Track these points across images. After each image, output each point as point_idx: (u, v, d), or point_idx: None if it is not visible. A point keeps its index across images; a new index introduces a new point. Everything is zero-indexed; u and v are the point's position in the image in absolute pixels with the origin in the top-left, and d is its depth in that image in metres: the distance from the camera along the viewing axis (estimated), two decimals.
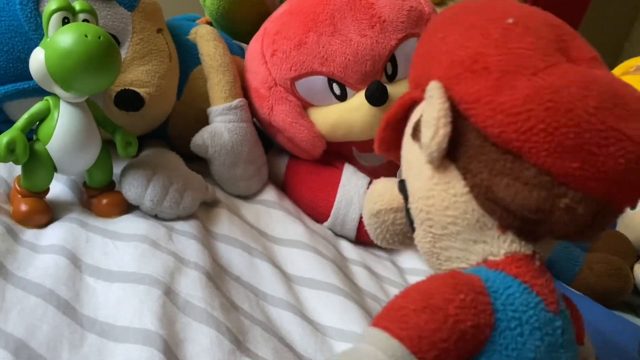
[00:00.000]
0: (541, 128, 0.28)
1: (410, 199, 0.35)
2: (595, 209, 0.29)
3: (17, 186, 0.52)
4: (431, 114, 0.31)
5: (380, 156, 0.75)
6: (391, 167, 0.74)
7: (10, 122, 0.58)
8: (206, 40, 0.69)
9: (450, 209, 0.32)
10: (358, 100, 0.66)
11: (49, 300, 0.41)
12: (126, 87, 0.58)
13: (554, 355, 0.30)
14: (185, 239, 0.53)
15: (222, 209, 0.62)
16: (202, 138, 0.64)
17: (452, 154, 0.32)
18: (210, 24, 0.86)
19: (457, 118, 0.31)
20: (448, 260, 0.34)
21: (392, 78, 0.68)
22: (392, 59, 0.67)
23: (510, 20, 0.31)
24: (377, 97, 0.64)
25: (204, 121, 0.66)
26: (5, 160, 0.48)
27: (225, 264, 0.53)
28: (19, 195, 0.52)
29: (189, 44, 0.70)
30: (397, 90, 0.67)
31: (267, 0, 0.81)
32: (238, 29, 0.84)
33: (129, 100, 0.57)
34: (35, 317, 0.39)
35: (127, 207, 0.56)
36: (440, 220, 0.33)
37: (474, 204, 0.31)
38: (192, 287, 0.46)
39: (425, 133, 0.31)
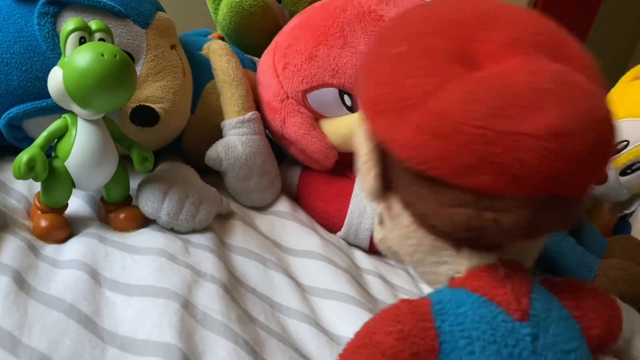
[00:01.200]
0: (440, 155, 0.28)
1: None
2: (532, 209, 0.28)
3: (36, 202, 0.53)
4: (360, 158, 0.32)
5: None
6: None
7: (29, 140, 0.59)
8: (219, 55, 0.70)
9: (409, 238, 0.33)
10: None
11: (71, 315, 0.42)
12: (141, 103, 0.59)
13: None
14: (201, 251, 0.53)
15: (237, 220, 0.63)
16: (216, 151, 0.65)
17: (392, 188, 0.33)
18: (222, 38, 0.87)
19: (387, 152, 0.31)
20: (430, 282, 0.35)
21: None
22: None
23: (400, 49, 0.30)
24: None
25: (218, 135, 0.67)
26: (25, 178, 0.49)
27: (241, 276, 0.53)
28: (39, 212, 0.53)
29: (202, 59, 0.71)
30: None
31: (277, 15, 0.82)
32: (250, 43, 0.85)
33: (145, 116, 0.58)
34: (57, 331, 0.40)
35: (144, 221, 0.57)
36: (406, 250, 0.34)
37: (422, 231, 0.32)
38: (209, 299, 0.47)
39: (360, 177, 0.33)
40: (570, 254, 0.70)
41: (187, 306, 0.45)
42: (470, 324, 0.29)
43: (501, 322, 0.30)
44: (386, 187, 0.33)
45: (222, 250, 0.56)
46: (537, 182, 0.27)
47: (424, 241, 0.33)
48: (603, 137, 0.28)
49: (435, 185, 0.29)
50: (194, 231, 0.57)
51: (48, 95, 0.50)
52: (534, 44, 0.30)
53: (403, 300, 0.32)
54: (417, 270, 0.36)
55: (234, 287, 0.51)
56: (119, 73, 0.47)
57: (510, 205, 0.28)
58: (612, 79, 0.85)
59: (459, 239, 0.31)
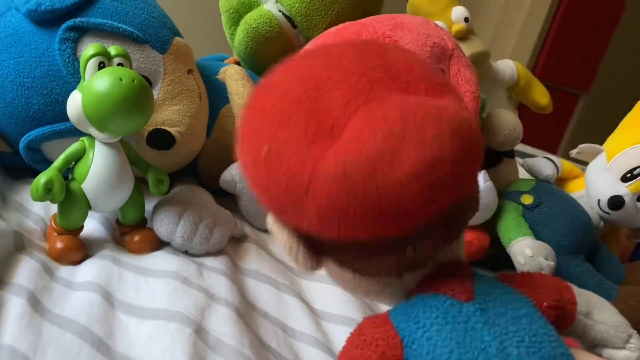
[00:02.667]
0: (346, 225, 0.29)
1: None
2: (440, 227, 0.32)
3: (53, 224, 0.54)
4: (282, 244, 0.34)
5: None
6: None
7: (47, 162, 0.60)
8: (234, 79, 0.71)
9: (359, 286, 0.36)
10: None
11: (84, 337, 0.42)
12: (158, 127, 0.59)
13: (473, 335, 0.31)
14: (215, 274, 0.53)
15: (250, 243, 0.63)
16: (231, 174, 0.65)
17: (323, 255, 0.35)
18: (238, 63, 0.88)
19: None
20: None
21: None
22: None
23: (264, 150, 0.30)
24: None
25: (233, 158, 0.68)
26: (43, 200, 0.49)
27: (254, 300, 0.53)
28: (55, 233, 0.53)
29: (218, 83, 0.72)
30: None
31: (293, 40, 0.82)
32: (265, 67, 0.85)
33: (161, 139, 0.59)
34: (71, 354, 0.40)
35: (159, 244, 0.57)
36: (362, 293, 0.38)
37: (365, 278, 0.35)
38: (222, 324, 0.46)
39: (291, 260, 0.35)
40: (588, 280, 0.69)
41: (199, 331, 0.45)
42: (423, 315, 0.32)
43: (450, 306, 0.32)
44: (317, 255, 0.34)
45: (236, 274, 0.56)
46: (432, 209, 0.29)
47: (370, 283, 0.35)
48: (461, 149, 0.29)
49: (357, 246, 0.31)
50: (207, 254, 0.57)
51: (67, 119, 0.51)
52: (371, 86, 0.31)
53: (365, 317, 0.35)
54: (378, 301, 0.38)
55: (246, 311, 0.50)
56: (137, 97, 0.48)
57: (422, 234, 0.31)
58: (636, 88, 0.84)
59: (395, 272, 0.34)
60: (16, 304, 0.43)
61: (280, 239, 0.33)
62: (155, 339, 0.43)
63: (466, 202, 0.33)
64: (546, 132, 2.34)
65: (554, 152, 2.40)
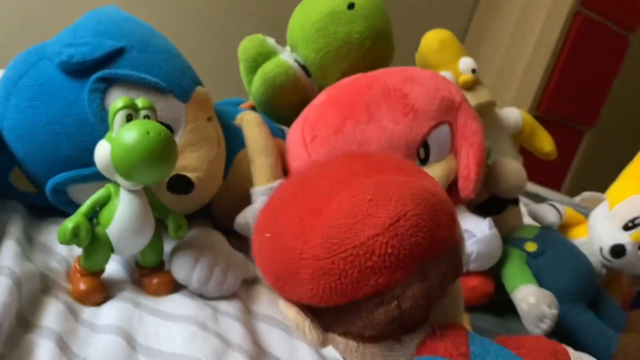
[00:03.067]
0: (334, 287, 0.35)
1: None
2: (419, 281, 0.36)
3: (77, 265, 0.56)
4: (291, 320, 0.39)
5: None
6: None
7: (71, 203, 0.63)
8: (251, 125, 0.74)
9: (365, 355, 0.40)
10: None
11: None
12: (178, 173, 0.62)
13: None
14: (229, 320, 0.55)
15: (262, 287, 0.65)
16: (245, 217, 0.68)
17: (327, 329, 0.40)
18: (253, 107, 0.92)
19: None
20: None
21: (424, 162, 0.71)
22: (425, 145, 0.70)
23: (268, 234, 0.38)
24: None
25: (247, 201, 0.70)
26: (69, 243, 0.52)
27: (266, 345, 0.55)
28: (78, 274, 0.56)
29: (235, 128, 0.75)
30: (429, 173, 0.70)
31: (306, 88, 0.86)
32: (280, 113, 0.89)
33: (181, 185, 0.62)
34: None
35: (176, 286, 0.59)
36: None
37: (368, 345, 0.39)
38: None
39: (300, 335, 0.39)
40: (589, 328, 0.71)
41: None
42: None
43: None
44: (324, 331, 0.39)
45: (249, 319, 0.58)
46: (405, 260, 0.34)
47: (375, 351, 0.39)
48: (422, 208, 0.35)
49: (349, 308, 0.36)
50: (221, 297, 0.60)
51: (93, 164, 0.53)
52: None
53: None
54: None
55: (259, 358, 0.52)
56: (163, 150, 0.51)
57: (403, 288, 0.35)
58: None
59: (391, 333, 0.38)
60: (45, 347, 0.45)
61: (288, 316, 0.38)
62: None
63: (442, 258, 0.37)
64: (551, 166, 2.35)
65: (558, 186, 2.42)
